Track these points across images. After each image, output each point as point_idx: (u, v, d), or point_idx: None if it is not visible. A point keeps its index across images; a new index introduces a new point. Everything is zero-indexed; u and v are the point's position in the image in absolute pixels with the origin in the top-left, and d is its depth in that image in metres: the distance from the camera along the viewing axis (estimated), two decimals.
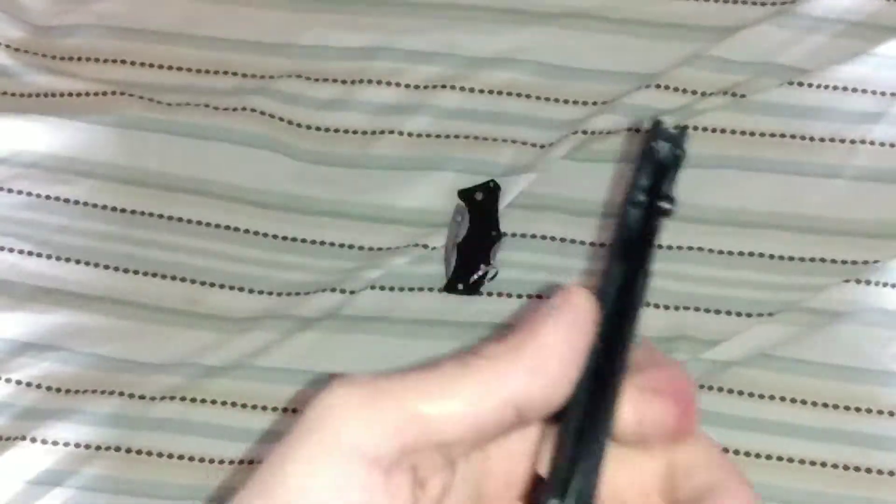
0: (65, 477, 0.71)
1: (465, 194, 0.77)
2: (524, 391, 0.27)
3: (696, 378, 0.70)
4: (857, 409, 0.69)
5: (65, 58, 0.83)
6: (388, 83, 0.81)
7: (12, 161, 0.80)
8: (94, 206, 0.79)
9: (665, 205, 0.30)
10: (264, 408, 0.73)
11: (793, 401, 0.70)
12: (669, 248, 0.74)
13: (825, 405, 0.70)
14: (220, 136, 0.79)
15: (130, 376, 0.74)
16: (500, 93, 0.80)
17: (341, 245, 0.77)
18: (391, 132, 0.79)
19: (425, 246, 0.76)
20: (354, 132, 0.80)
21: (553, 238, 0.76)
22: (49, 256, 0.77)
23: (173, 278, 0.76)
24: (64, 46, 0.84)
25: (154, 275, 0.77)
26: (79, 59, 0.83)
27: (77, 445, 0.72)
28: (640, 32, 0.81)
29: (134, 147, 0.80)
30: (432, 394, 0.27)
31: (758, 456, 0.69)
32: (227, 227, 0.78)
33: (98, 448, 0.72)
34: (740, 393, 0.71)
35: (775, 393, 0.70)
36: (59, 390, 0.73)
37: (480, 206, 0.77)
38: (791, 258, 0.74)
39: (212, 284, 0.76)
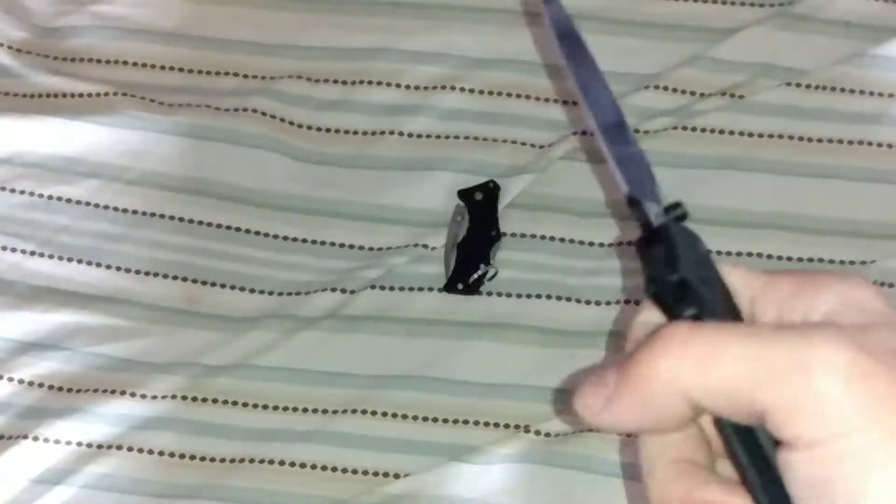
0: (67, 475, 0.71)
1: (464, 194, 0.77)
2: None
3: None
4: None
5: (67, 59, 0.84)
6: (388, 84, 0.81)
7: (15, 161, 0.80)
8: (96, 206, 0.79)
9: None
10: (265, 407, 0.73)
11: None
12: None
13: None
14: (221, 136, 0.80)
15: (131, 375, 0.74)
16: (499, 93, 0.80)
17: (341, 245, 0.77)
18: (391, 133, 0.80)
19: (425, 246, 0.76)
20: (355, 133, 0.80)
21: (553, 238, 0.76)
22: (51, 256, 0.78)
23: (174, 278, 0.77)
24: (66, 47, 0.84)
25: (155, 275, 0.77)
26: (81, 59, 0.83)
27: (79, 444, 0.72)
28: (639, 33, 0.81)
29: (135, 148, 0.80)
30: None
31: None
32: (228, 227, 0.78)
33: (100, 447, 0.72)
34: None
35: None
36: (60, 389, 0.74)
37: (480, 206, 0.77)
38: (790, 258, 0.75)
39: (212, 284, 0.76)
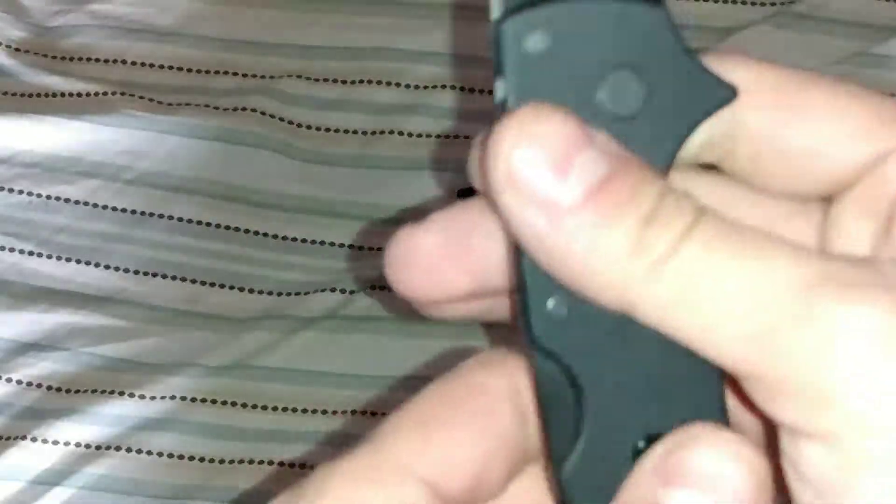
0: (65, 476, 0.71)
1: (464, 194, 0.77)
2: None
3: None
4: None
5: (65, 58, 0.83)
6: (389, 83, 0.81)
7: (13, 161, 0.80)
8: (95, 206, 0.79)
9: None
10: (264, 408, 0.73)
11: None
12: None
13: None
14: (221, 136, 0.80)
15: (131, 376, 0.74)
16: None
17: (341, 245, 0.77)
18: (391, 132, 0.79)
19: None
20: (354, 132, 0.80)
21: None
22: (50, 256, 0.77)
23: (173, 278, 0.76)
24: (64, 46, 0.84)
25: (154, 275, 0.77)
26: (79, 59, 0.83)
27: (77, 445, 0.72)
28: None
29: (134, 147, 0.80)
30: None
31: None
32: (227, 227, 0.78)
33: (98, 448, 0.72)
34: None
35: None
36: (59, 390, 0.74)
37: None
38: None
39: (212, 284, 0.76)
